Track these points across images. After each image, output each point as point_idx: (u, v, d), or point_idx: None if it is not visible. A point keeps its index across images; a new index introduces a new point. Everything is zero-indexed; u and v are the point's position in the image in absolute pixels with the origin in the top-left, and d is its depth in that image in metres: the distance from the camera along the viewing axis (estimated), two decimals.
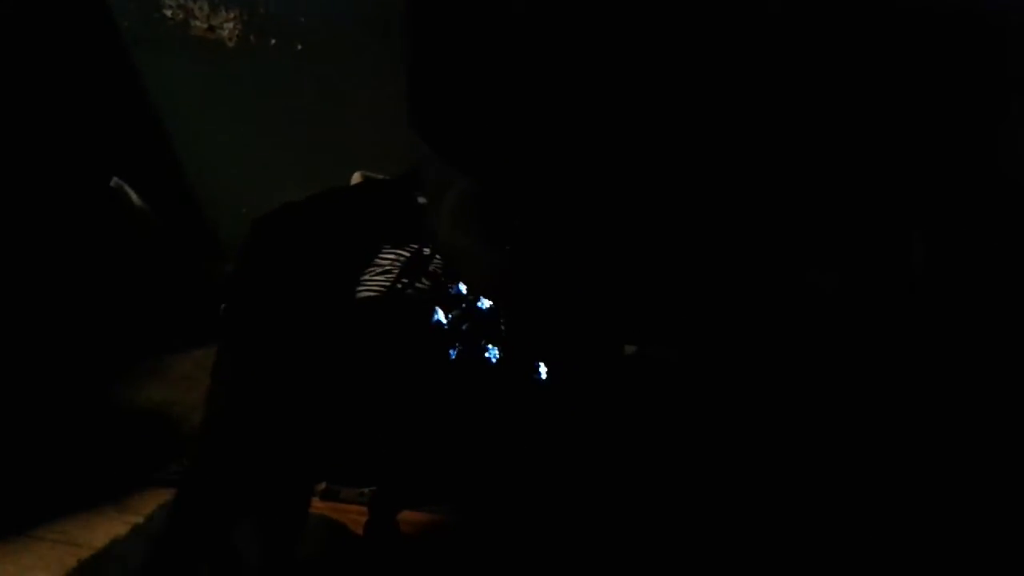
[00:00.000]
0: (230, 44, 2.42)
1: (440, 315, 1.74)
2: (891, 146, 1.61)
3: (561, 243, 1.43)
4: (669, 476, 1.77)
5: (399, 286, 1.68)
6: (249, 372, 1.44)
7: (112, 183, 2.34)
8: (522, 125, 1.33)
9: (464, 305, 1.75)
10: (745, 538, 1.68)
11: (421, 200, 2.31)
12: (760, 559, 1.64)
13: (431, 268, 1.85)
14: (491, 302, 1.71)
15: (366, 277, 1.72)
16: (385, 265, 1.85)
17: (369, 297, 1.66)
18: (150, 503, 1.83)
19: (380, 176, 2.32)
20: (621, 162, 1.37)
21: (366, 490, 1.85)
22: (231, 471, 1.41)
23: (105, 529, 1.75)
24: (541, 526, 1.73)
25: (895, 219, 1.68)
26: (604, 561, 1.67)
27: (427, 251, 1.86)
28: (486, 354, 1.73)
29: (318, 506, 1.78)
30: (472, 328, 1.73)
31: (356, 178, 2.30)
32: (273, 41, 2.40)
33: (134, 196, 2.40)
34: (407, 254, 2.05)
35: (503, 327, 1.59)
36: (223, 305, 1.89)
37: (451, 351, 1.71)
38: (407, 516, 1.76)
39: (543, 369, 1.73)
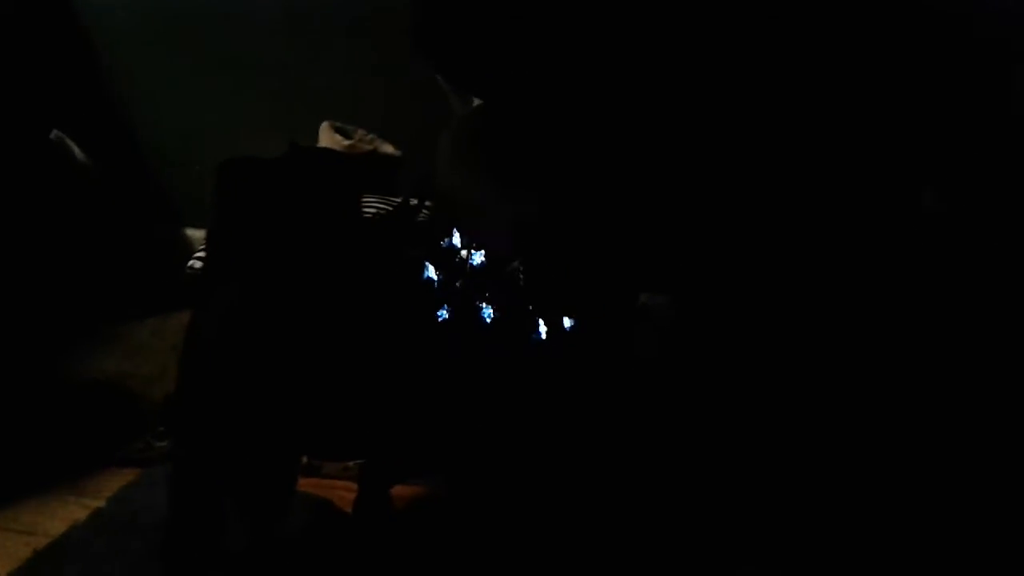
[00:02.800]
0: None
1: (431, 271, 1.61)
2: (903, 104, 1.58)
3: (584, 177, 1.30)
4: (670, 448, 1.69)
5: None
6: (231, 332, 1.28)
7: (52, 136, 2.21)
8: (543, 39, 1.20)
9: (457, 260, 1.63)
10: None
11: (393, 152, 2.19)
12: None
13: (419, 219, 1.72)
14: (489, 254, 1.60)
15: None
16: (368, 215, 1.71)
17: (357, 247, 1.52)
18: (110, 484, 1.67)
19: (350, 127, 2.19)
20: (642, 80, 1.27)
21: (351, 463, 1.72)
22: (214, 445, 1.26)
23: (62, 515, 1.59)
24: (539, 496, 1.62)
25: (907, 175, 1.64)
26: (604, 532, 1.57)
27: (414, 202, 1.73)
28: (480, 314, 1.61)
29: (299, 483, 1.63)
30: (466, 286, 1.61)
31: (324, 128, 2.16)
32: None
33: (76, 150, 2.24)
34: (390, 207, 1.92)
35: (521, 279, 1.45)
36: (190, 263, 1.73)
37: (441, 311, 1.59)
38: (398, 491, 1.63)
39: (543, 328, 1.62)
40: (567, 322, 1.58)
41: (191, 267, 1.78)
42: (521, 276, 1.46)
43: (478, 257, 1.64)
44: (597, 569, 1.52)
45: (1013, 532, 1.52)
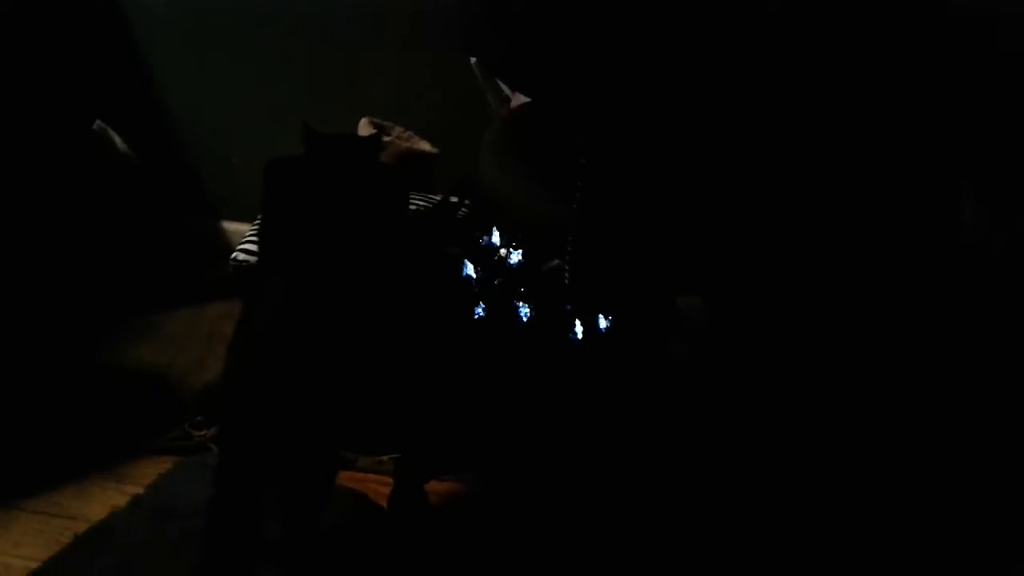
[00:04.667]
0: None
1: (470, 269, 1.62)
2: (937, 98, 1.55)
3: (631, 175, 1.30)
4: (698, 447, 1.68)
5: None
6: (281, 325, 1.29)
7: (95, 126, 2.22)
8: (590, 39, 1.19)
9: (496, 259, 1.63)
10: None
11: (430, 149, 2.19)
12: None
13: (459, 217, 1.73)
14: (527, 253, 1.60)
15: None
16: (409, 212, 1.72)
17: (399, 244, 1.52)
18: (149, 472, 1.68)
19: (388, 123, 2.19)
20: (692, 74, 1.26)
21: (385, 458, 1.72)
22: (260, 435, 1.27)
23: (101, 501, 1.60)
24: (569, 494, 1.62)
25: (943, 170, 1.62)
26: (631, 529, 1.56)
27: (454, 199, 1.73)
28: (517, 312, 1.62)
29: None
30: (504, 284, 1.61)
31: (363, 124, 2.16)
32: None
33: (118, 140, 2.25)
34: (429, 205, 1.92)
35: (566, 278, 1.45)
36: (234, 255, 1.75)
37: (478, 308, 1.60)
38: (432, 486, 1.63)
39: (579, 328, 1.62)
40: (603, 322, 1.57)
41: (235, 259, 1.78)
42: (566, 275, 1.46)
43: (516, 256, 1.64)
44: (624, 565, 1.52)
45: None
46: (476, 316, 1.60)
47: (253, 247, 1.80)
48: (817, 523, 1.56)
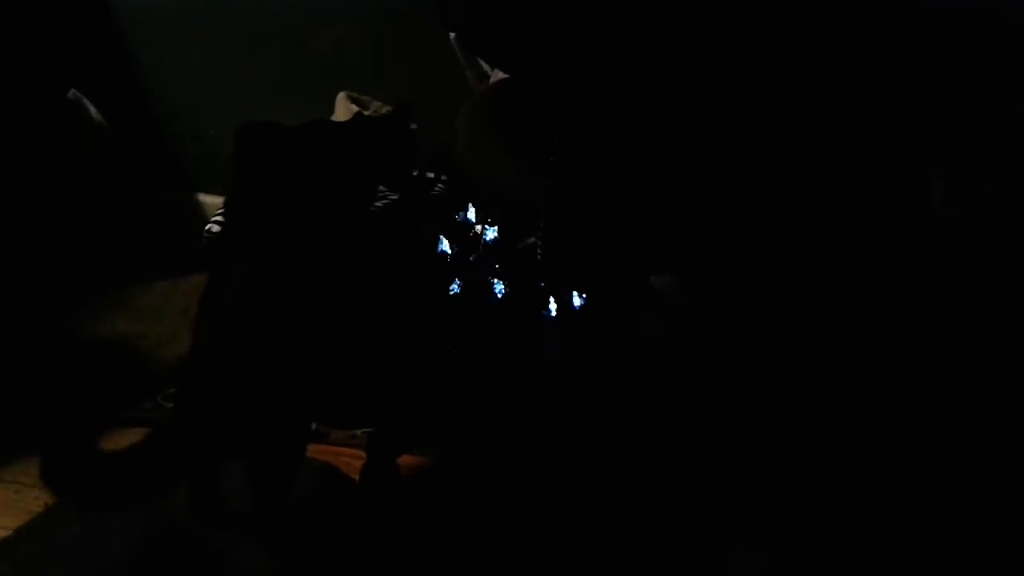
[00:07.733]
0: None
1: (445, 245, 1.62)
2: (911, 84, 1.56)
3: (606, 151, 1.30)
4: (668, 429, 1.70)
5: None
6: (247, 295, 1.29)
7: (70, 95, 2.20)
8: (568, 17, 1.20)
9: (471, 235, 1.63)
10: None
11: (412, 126, 2.18)
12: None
13: (434, 193, 1.73)
14: (503, 230, 1.60)
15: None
16: (383, 190, 1.72)
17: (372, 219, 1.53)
18: (119, 443, 1.66)
19: (366, 98, 2.18)
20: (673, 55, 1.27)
21: (358, 432, 1.73)
22: (222, 405, 1.28)
23: None
24: (539, 471, 1.63)
25: (914, 156, 1.63)
26: (599, 511, 1.57)
27: (430, 175, 1.73)
28: (492, 288, 1.63)
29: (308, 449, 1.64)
30: (479, 260, 1.62)
31: (341, 99, 2.15)
32: None
33: (93, 110, 2.23)
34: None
35: (539, 255, 1.46)
36: (208, 227, 1.74)
37: (453, 285, 1.60)
38: (404, 460, 1.64)
39: (552, 306, 1.63)
40: (576, 300, 1.58)
41: (208, 231, 1.77)
42: (539, 252, 1.46)
43: (491, 232, 1.65)
44: (590, 544, 1.53)
45: (1002, 521, 1.54)
46: (451, 292, 1.61)
47: None
48: (795, 503, 1.58)
